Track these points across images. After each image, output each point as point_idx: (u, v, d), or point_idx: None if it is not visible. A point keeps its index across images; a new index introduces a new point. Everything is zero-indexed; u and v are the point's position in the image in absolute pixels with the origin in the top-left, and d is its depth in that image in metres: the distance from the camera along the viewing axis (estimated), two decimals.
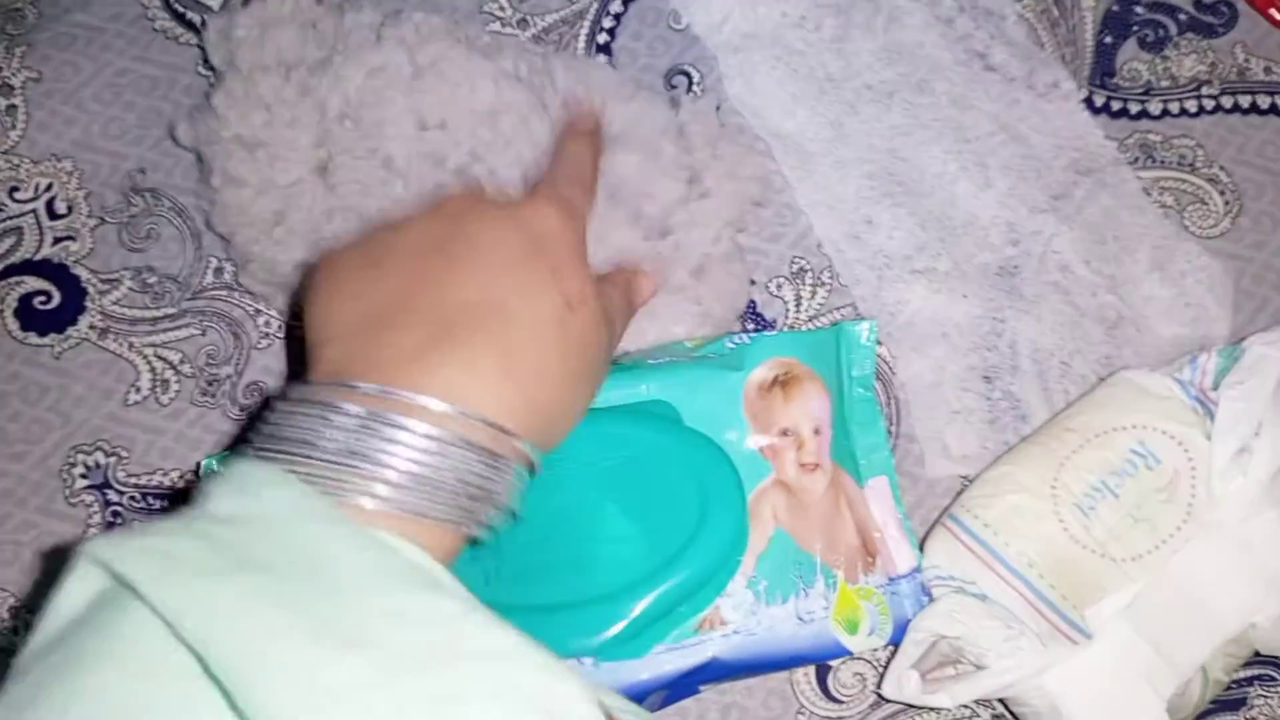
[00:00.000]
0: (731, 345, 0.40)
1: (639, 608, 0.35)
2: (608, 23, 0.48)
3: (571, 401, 0.32)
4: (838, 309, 0.45)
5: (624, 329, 0.39)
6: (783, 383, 0.39)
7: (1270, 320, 0.44)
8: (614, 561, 0.36)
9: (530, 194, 0.36)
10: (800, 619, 0.37)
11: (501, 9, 0.48)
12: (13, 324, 0.46)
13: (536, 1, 0.49)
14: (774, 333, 0.41)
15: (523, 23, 0.48)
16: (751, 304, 0.45)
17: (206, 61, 0.46)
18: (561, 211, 0.34)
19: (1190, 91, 0.47)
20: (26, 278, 0.46)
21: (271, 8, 0.44)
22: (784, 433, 0.39)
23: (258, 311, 0.45)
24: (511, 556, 0.36)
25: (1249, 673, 0.41)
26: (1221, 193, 0.46)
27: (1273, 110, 0.47)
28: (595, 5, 0.49)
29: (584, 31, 0.48)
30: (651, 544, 0.36)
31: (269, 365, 0.45)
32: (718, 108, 0.47)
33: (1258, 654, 0.38)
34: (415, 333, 0.30)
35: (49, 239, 0.47)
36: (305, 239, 0.42)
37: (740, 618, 0.37)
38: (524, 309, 0.31)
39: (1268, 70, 0.48)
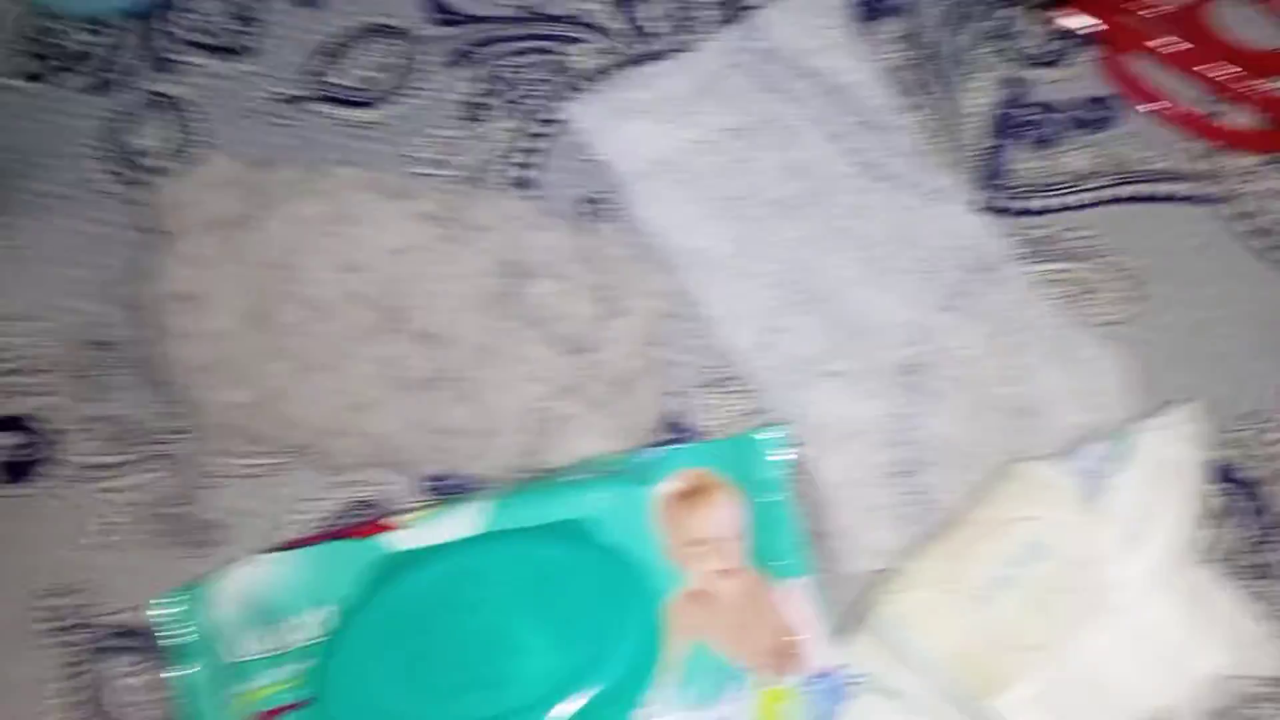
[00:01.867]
0: (643, 459, 0.42)
1: (556, 715, 0.37)
2: (524, 159, 0.51)
3: None
4: (754, 414, 0.47)
5: None
6: (694, 493, 0.41)
7: (1170, 401, 0.46)
8: (530, 675, 0.37)
9: None
10: None
11: (421, 151, 0.51)
12: None
13: (457, 144, 0.52)
14: (683, 445, 0.43)
15: (444, 164, 0.51)
16: (669, 415, 0.47)
17: (149, 223, 0.49)
18: None
19: (1077, 186, 0.50)
20: None
21: (208, 174, 0.47)
22: (697, 542, 0.40)
23: (208, 453, 0.47)
24: (433, 676, 0.37)
25: None
26: (1116, 280, 0.48)
27: (1159, 198, 0.50)
28: (511, 142, 0.52)
29: (502, 167, 0.51)
30: (564, 658, 0.37)
31: (220, 504, 0.47)
32: (624, 230, 0.49)
33: None
34: None
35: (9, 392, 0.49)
36: (239, 381, 0.44)
37: None
38: None
39: (1151, 160, 0.50)
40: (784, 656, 0.40)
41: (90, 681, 0.46)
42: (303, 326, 0.44)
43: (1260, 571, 0.43)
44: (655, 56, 0.52)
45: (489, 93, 0.52)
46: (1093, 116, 0.51)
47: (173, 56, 0.53)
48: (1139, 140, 0.50)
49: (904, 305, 0.47)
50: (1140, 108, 0.51)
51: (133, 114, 0.52)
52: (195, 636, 0.41)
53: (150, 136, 0.52)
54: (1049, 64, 0.52)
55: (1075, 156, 0.50)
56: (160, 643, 0.42)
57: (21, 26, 0.54)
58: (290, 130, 0.52)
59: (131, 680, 0.45)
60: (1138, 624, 0.37)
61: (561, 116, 0.51)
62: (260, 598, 0.40)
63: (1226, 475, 0.45)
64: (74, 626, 0.46)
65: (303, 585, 0.40)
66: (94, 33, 0.54)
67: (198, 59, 0.53)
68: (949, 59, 0.52)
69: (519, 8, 0.53)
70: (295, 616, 0.39)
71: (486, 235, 0.46)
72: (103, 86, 0.53)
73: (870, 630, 0.39)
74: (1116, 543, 0.38)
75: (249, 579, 0.41)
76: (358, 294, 0.45)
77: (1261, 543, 0.44)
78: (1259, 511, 0.44)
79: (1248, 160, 0.50)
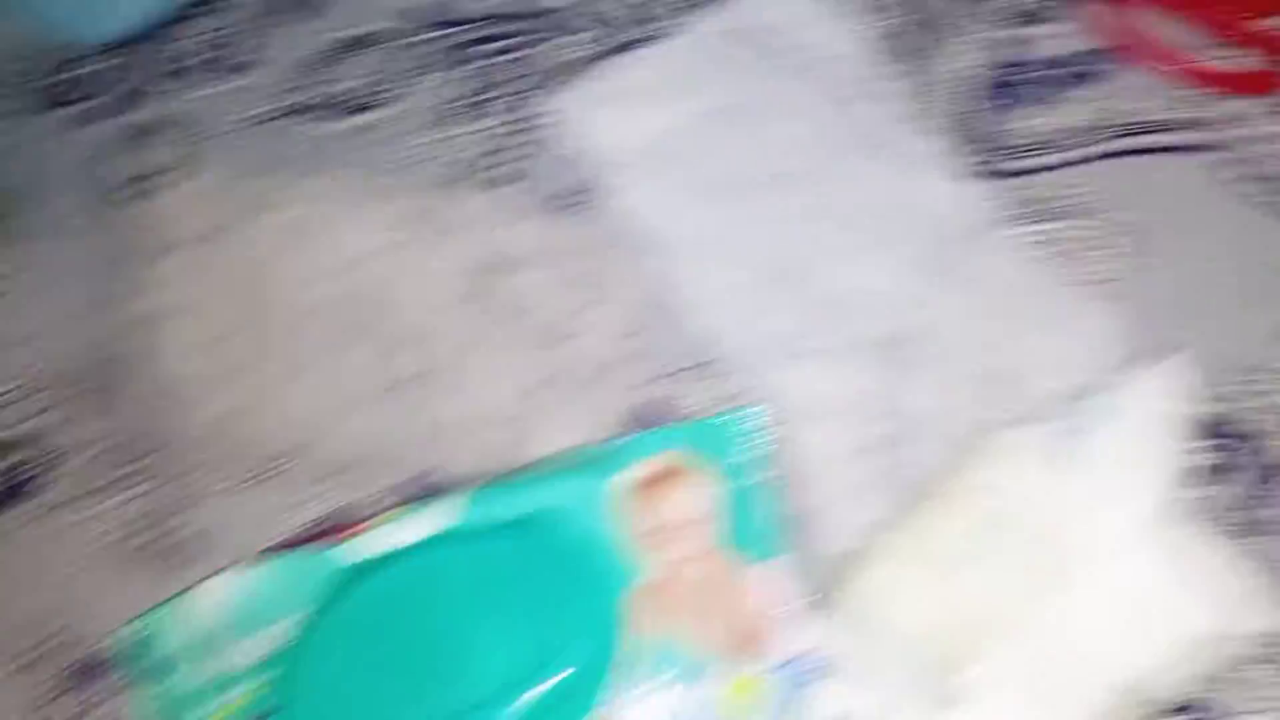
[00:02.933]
0: (614, 446, 0.42)
1: (517, 708, 0.37)
2: (509, 155, 0.52)
3: None
4: (736, 396, 0.47)
5: None
6: (660, 479, 0.41)
7: (1160, 358, 0.44)
8: (487, 670, 0.38)
9: None
10: (689, 715, 0.38)
11: (409, 156, 0.52)
12: None
13: (443, 144, 0.52)
14: (653, 430, 0.43)
15: (421, 165, 0.52)
16: (654, 400, 0.47)
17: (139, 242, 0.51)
18: None
19: (1074, 143, 0.48)
20: None
21: (194, 190, 0.49)
22: (663, 529, 0.40)
23: (192, 467, 0.49)
24: (396, 678, 0.38)
25: None
26: (1109, 237, 0.46)
27: (1159, 149, 0.48)
28: (495, 139, 0.52)
29: (482, 165, 0.52)
30: (522, 651, 0.38)
31: (200, 520, 0.46)
32: (604, 220, 0.50)
33: (1160, 708, 0.37)
34: None
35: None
36: (227, 390, 0.46)
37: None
38: None
39: (1150, 110, 0.48)
40: (753, 643, 0.39)
41: (74, 711, 0.45)
42: (290, 332, 0.46)
43: (1251, 528, 0.41)
44: (632, 45, 0.52)
45: (468, 93, 0.53)
46: (1086, 71, 0.50)
47: (158, 82, 0.55)
48: (1133, 92, 0.49)
49: (886, 277, 0.47)
50: (1133, 59, 0.49)
51: (121, 136, 0.54)
52: (167, 657, 0.41)
53: (140, 157, 0.53)
54: (1040, 20, 0.50)
55: (1069, 113, 0.49)
56: (133, 666, 0.42)
57: (12, 57, 0.56)
58: (275, 143, 0.53)
59: (98, 713, 0.45)
60: (1119, 586, 0.36)
61: (539, 111, 0.52)
62: (230, 612, 0.41)
63: (1217, 430, 0.43)
64: (55, 651, 0.46)
65: (272, 596, 0.40)
66: (79, 60, 0.55)
67: (183, 81, 0.55)
68: (938, 20, 0.51)
69: (500, 4, 0.54)
70: (265, 628, 0.40)
71: (462, 233, 0.47)
72: (90, 112, 0.55)
73: (839, 609, 0.39)
74: (1095, 499, 0.36)
75: (219, 594, 0.41)
76: (346, 295, 0.46)
77: (1252, 498, 0.42)
78: (1250, 466, 0.42)
79: (1244, 105, 0.48)
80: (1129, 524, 0.36)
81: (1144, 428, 0.38)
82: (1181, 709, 0.38)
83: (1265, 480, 0.42)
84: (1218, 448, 0.42)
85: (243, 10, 0.56)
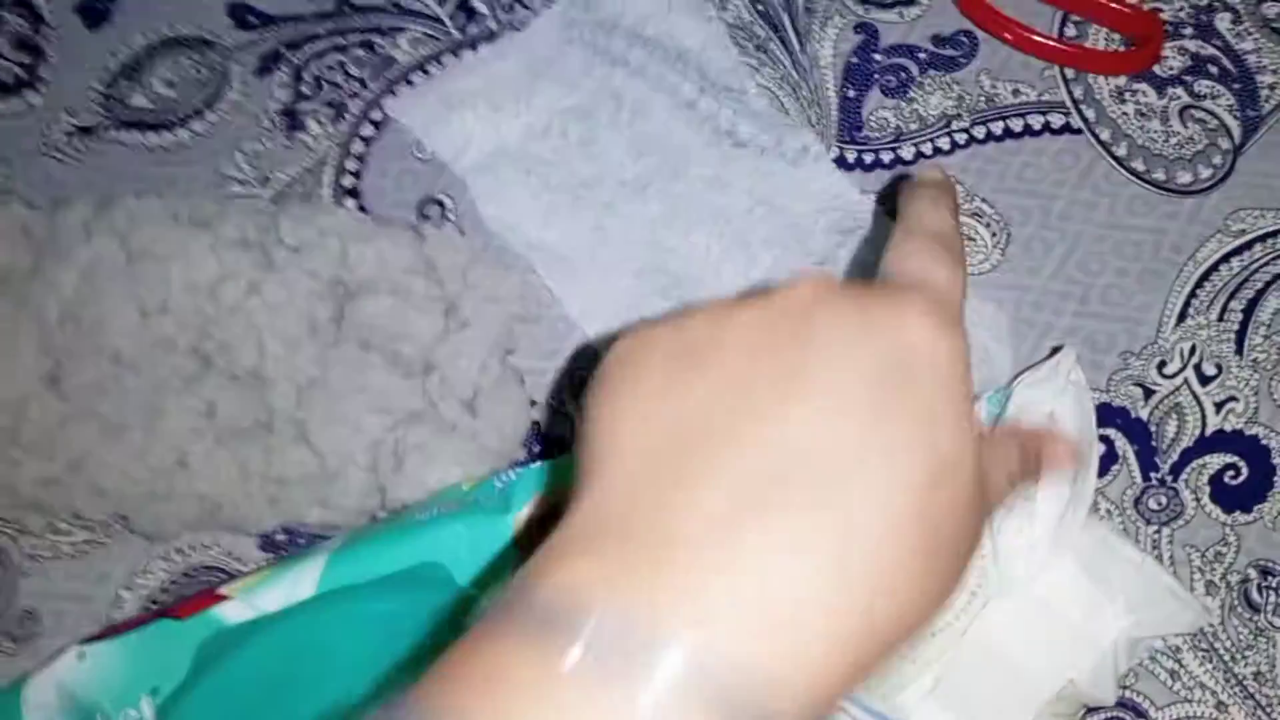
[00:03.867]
0: (500, 485, 0.38)
1: None
2: (351, 165, 0.47)
3: (920, 608, 0.21)
4: None
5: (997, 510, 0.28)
6: (557, 515, 0.37)
7: (1055, 344, 0.43)
8: None
9: (892, 287, 0.25)
10: None
11: (239, 170, 0.47)
12: None
13: (275, 156, 0.47)
14: (539, 464, 0.39)
15: (265, 180, 0.47)
16: (535, 426, 0.44)
17: None
18: (941, 320, 0.23)
19: (940, 129, 0.47)
20: None
21: None
22: None
23: (19, 533, 0.43)
24: None
25: None
26: (987, 225, 0.46)
27: (1026, 131, 0.47)
28: (335, 150, 0.47)
29: (328, 178, 0.47)
30: None
31: (39, 589, 0.42)
32: (463, 232, 0.45)
33: (1087, 709, 0.36)
34: (723, 489, 0.21)
35: None
36: (41, 454, 0.40)
37: None
38: (881, 471, 0.21)
39: (1015, 92, 0.48)
40: None
41: None
42: (107, 383, 0.40)
43: (1162, 517, 0.41)
44: (482, 39, 0.48)
45: (306, 97, 0.48)
46: (950, 54, 0.48)
47: None
48: (1000, 73, 0.48)
49: (773, 276, 0.44)
50: (998, 38, 0.48)
51: None
52: None
53: None
54: (900, 3, 0.49)
55: (936, 98, 0.48)
56: None
57: None
58: (86, 165, 0.47)
59: None
60: (1037, 594, 0.35)
61: (373, 118, 0.47)
62: (83, 694, 0.36)
63: (1122, 418, 0.42)
64: None
65: (129, 675, 0.36)
66: None
67: None
68: (796, 8, 0.49)
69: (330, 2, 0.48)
70: (122, 711, 0.35)
71: (309, 254, 0.42)
72: None
73: None
74: (1005, 508, 0.35)
75: (70, 675, 0.36)
76: (168, 338, 0.40)
77: (1163, 485, 0.42)
78: (1158, 452, 0.42)
79: (1115, 82, 0.47)
80: (1044, 526, 0.35)
81: (1045, 425, 0.36)
82: (1102, 709, 0.37)
83: (1174, 468, 0.42)
84: (1121, 435, 0.42)
85: (23, 18, 0.49)
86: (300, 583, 0.36)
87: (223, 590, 0.36)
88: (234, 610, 0.36)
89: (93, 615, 0.41)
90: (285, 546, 0.42)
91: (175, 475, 0.39)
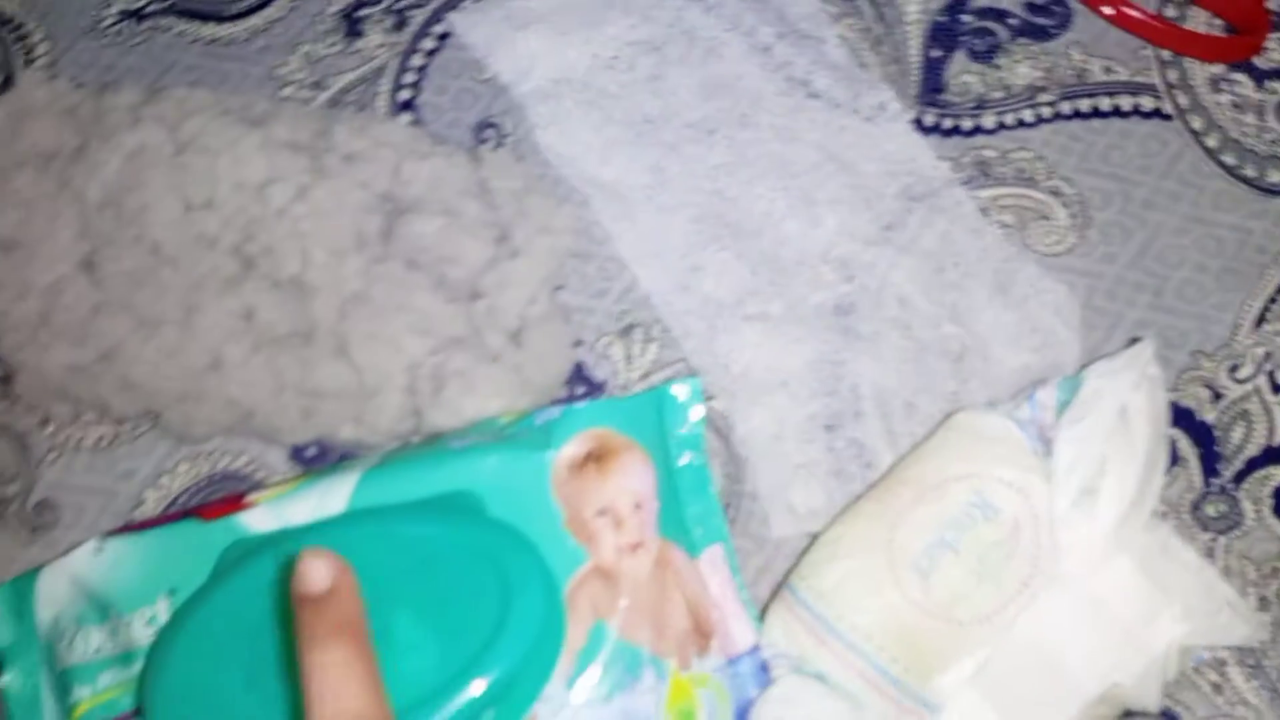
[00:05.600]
0: (540, 421, 0.37)
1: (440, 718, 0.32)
2: (409, 78, 0.45)
3: None
4: (670, 364, 0.42)
5: None
6: (597, 458, 0.36)
7: (1126, 338, 0.42)
8: (406, 675, 0.32)
9: None
10: (632, 717, 0.34)
11: (294, 73, 0.45)
12: None
13: (332, 61, 0.46)
14: (584, 404, 0.37)
15: (317, 85, 0.45)
16: (578, 366, 0.42)
17: None
18: None
19: (1026, 101, 0.45)
20: None
21: (25, 97, 0.40)
22: (601, 513, 0.35)
23: (44, 422, 0.42)
24: (280, 683, 0.32)
25: None
26: (1065, 205, 0.44)
27: (1115, 112, 0.45)
28: (395, 60, 0.46)
29: (384, 89, 0.45)
30: (446, 651, 0.32)
31: (59, 480, 0.41)
32: (520, 159, 0.44)
33: (1129, 713, 0.35)
34: None
35: None
36: (71, 340, 0.38)
37: None
38: None
39: (1107, 70, 0.46)
40: (699, 639, 0.35)
41: None
42: (144, 275, 0.38)
43: (1219, 525, 0.39)
44: None
45: (368, 2, 0.46)
46: (1042, 22, 0.46)
47: None
48: (1093, 48, 0.46)
49: (835, 239, 0.42)
50: (1095, 10, 0.46)
51: None
52: (24, 635, 0.36)
53: None
54: None
55: (1023, 67, 0.46)
56: None
57: None
58: (138, 50, 0.45)
59: None
60: (1091, 591, 0.33)
61: (438, 31, 0.45)
62: (99, 589, 0.35)
63: (1186, 419, 0.41)
64: None
65: (147, 574, 0.34)
66: None
67: None
68: None
69: None
70: (138, 610, 0.34)
71: (361, 165, 0.40)
72: None
73: (791, 606, 0.35)
74: (1065, 501, 0.33)
75: (86, 567, 0.35)
76: (211, 236, 0.39)
77: (1223, 493, 0.40)
78: (1222, 458, 0.40)
79: (1212, 70, 0.45)
80: (1104, 523, 0.33)
81: (1116, 418, 0.35)
82: (1144, 716, 0.36)
83: (1240, 474, 0.40)
84: (1187, 438, 0.40)
85: None
86: (330, 497, 0.34)
87: (250, 497, 0.35)
88: (260, 518, 0.34)
89: (114, 512, 0.40)
90: (314, 461, 0.40)
91: (208, 377, 0.38)
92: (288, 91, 0.45)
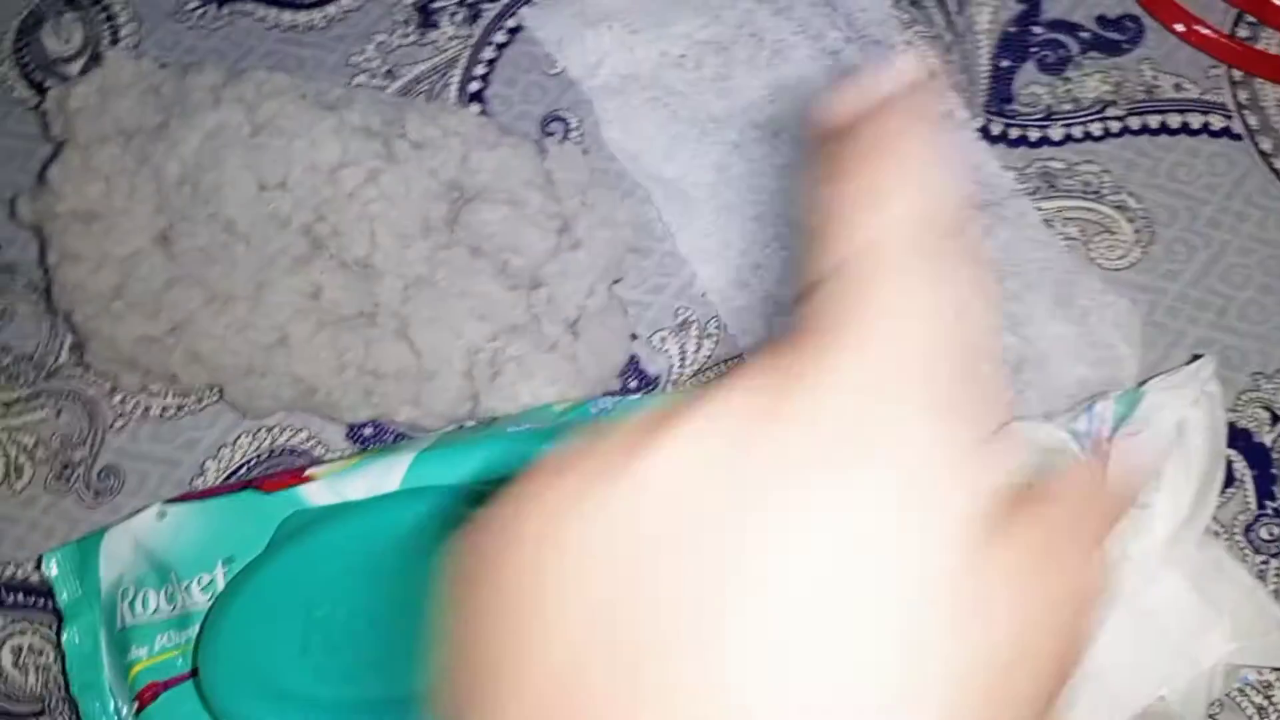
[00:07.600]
0: (595, 410, 0.38)
1: None
2: (480, 70, 0.46)
3: None
4: (726, 361, 0.43)
5: None
6: None
7: (1186, 356, 0.41)
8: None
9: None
10: None
11: (369, 61, 0.46)
12: None
13: (405, 51, 0.47)
14: (637, 396, 0.38)
15: (390, 74, 0.46)
16: (633, 360, 0.43)
17: (57, 133, 0.44)
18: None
19: (1094, 114, 0.45)
20: None
21: (111, 75, 0.42)
22: None
23: (112, 390, 0.43)
24: (330, 651, 0.33)
25: None
26: (1130, 220, 0.43)
27: (1184, 129, 0.45)
28: (466, 52, 0.46)
29: (455, 80, 0.46)
30: None
31: (124, 448, 0.42)
32: (585, 152, 0.44)
33: None
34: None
35: None
36: (144, 312, 0.40)
37: None
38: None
39: (1177, 87, 0.45)
40: None
41: None
42: (217, 251, 0.39)
43: (1272, 548, 0.39)
44: None
45: None
46: (1114, 37, 0.46)
47: None
48: (1164, 65, 0.45)
49: None
50: (1167, 27, 0.45)
51: (49, 13, 0.47)
52: (88, 594, 0.37)
53: (67, 38, 0.47)
54: None
55: (1093, 81, 0.45)
56: (51, 601, 0.38)
57: None
58: (219, 33, 0.47)
59: (21, 641, 0.41)
60: (1142, 605, 0.33)
61: (511, 25, 0.46)
62: (159, 553, 0.36)
63: (1244, 440, 0.40)
64: None
65: (206, 541, 0.36)
66: None
67: None
68: None
69: None
70: (196, 575, 0.35)
71: (431, 153, 0.41)
72: None
73: None
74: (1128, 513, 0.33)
75: (148, 532, 0.36)
76: (283, 216, 0.40)
77: (1277, 516, 0.39)
78: (1274, 481, 0.40)
79: (1266, 89, 0.45)
80: (1157, 540, 0.33)
81: (1173, 434, 0.34)
82: None
83: (1272, 497, 0.40)
84: (1243, 458, 0.40)
85: None
86: (387, 475, 0.35)
87: (309, 471, 0.36)
88: (317, 492, 0.35)
89: (175, 480, 0.41)
90: (371, 440, 0.41)
91: (274, 353, 0.39)
92: (361, 79, 0.46)
